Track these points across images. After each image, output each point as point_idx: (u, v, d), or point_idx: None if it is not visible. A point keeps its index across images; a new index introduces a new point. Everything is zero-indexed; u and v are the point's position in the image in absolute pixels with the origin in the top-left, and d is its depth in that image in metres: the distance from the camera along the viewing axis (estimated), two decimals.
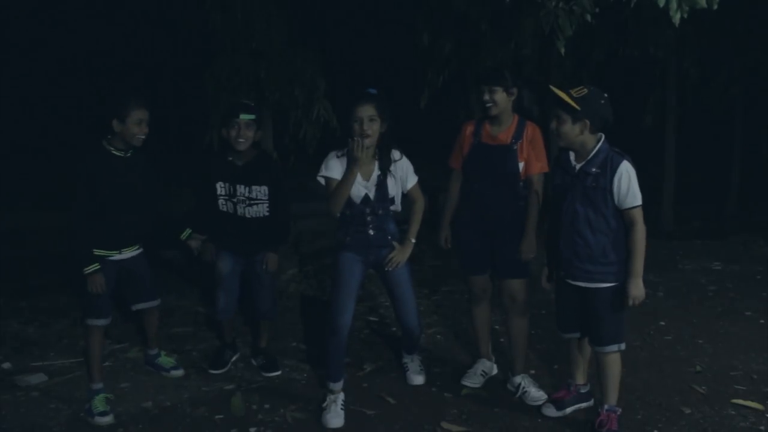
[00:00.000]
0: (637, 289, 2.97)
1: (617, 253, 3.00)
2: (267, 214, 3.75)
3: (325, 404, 3.41)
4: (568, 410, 3.36)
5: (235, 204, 3.72)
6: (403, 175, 3.45)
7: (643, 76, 7.84)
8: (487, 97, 3.42)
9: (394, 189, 3.43)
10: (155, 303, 3.84)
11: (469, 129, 3.60)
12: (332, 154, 3.41)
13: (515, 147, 3.44)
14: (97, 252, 3.42)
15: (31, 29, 8.42)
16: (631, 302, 2.98)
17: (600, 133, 3.01)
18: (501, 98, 3.41)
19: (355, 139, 3.23)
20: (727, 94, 7.71)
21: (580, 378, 3.40)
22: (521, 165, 3.45)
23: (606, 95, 2.97)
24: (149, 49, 8.43)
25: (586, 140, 2.98)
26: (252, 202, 3.72)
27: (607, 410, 3.15)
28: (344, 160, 3.36)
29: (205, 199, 3.77)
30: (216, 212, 3.76)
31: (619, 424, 3.14)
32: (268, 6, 5.36)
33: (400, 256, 3.45)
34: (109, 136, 3.40)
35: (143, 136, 3.41)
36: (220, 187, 3.72)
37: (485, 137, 3.52)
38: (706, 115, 8.23)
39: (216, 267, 3.85)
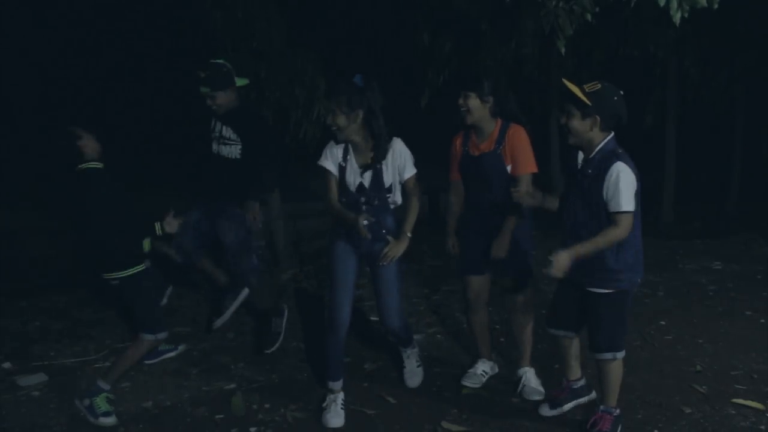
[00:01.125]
0: (560, 262, 2.81)
1: (617, 259, 2.91)
2: (238, 156, 3.78)
3: (325, 404, 3.41)
4: (566, 407, 3.33)
5: (212, 140, 3.84)
6: (401, 164, 3.33)
7: (644, 75, 7.84)
8: (461, 101, 3.40)
9: (390, 177, 3.34)
10: (171, 290, 4.06)
11: (458, 140, 3.62)
12: (332, 143, 3.40)
13: (499, 152, 3.43)
14: (140, 268, 3.46)
15: (32, 28, 8.42)
16: (545, 269, 2.85)
17: (609, 133, 2.91)
18: (474, 105, 3.39)
19: (362, 226, 3.19)
20: (727, 93, 7.72)
21: (572, 374, 3.37)
22: (509, 168, 3.44)
23: (621, 92, 2.87)
24: (149, 49, 8.43)
25: (595, 137, 2.88)
26: (225, 141, 3.80)
27: (602, 410, 3.14)
28: (341, 149, 3.36)
29: (201, 145, 3.89)
30: (207, 156, 3.87)
31: (615, 425, 3.11)
32: (268, 5, 5.37)
33: (395, 250, 3.33)
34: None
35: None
36: (212, 124, 3.86)
37: (472, 148, 3.53)
38: (706, 114, 8.23)
39: (186, 216, 3.86)
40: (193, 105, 4.03)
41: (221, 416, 3.42)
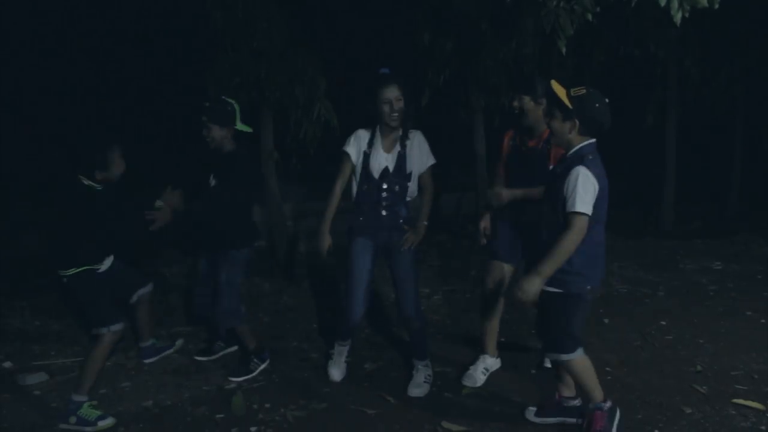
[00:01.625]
0: (529, 285, 2.82)
1: (568, 260, 2.88)
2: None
3: (331, 351, 3.86)
4: (550, 420, 3.28)
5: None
6: (423, 152, 3.57)
7: (644, 75, 7.84)
8: (515, 103, 3.53)
9: (411, 165, 3.56)
10: (150, 287, 4.01)
11: (508, 137, 3.73)
12: (360, 131, 3.59)
13: (545, 150, 3.50)
14: (87, 268, 3.49)
15: (32, 25, 8.42)
16: (516, 295, 2.86)
17: (589, 138, 2.92)
18: (529, 106, 3.49)
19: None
20: (727, 93, 7.71)
21: (564, 390, 3.29)
22: (551, 167, 3.47)
23: (606, 100, 2.90)
24: (151, 48, 8.43)
25: (573, 141, 2.92)
26: (215, 191, 3.82)
27: (592, 408, 3.09)
28: (366, 138, 3.56)
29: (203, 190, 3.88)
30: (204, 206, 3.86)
31: (610, 419, 3.05)
32: (268, 5, 5.37)
33: (414, 238, 3.55)
34: (86, 174, 3.48)
35: (121, 172, 3.57)
36: (210, 178, 3.87)
37: (520, 144, 3.63)
38: (706, 114, 8.23)
39: (199, 266, 4.04)
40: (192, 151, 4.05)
41: (222, 416, 3.42)
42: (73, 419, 3.31)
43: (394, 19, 6.96)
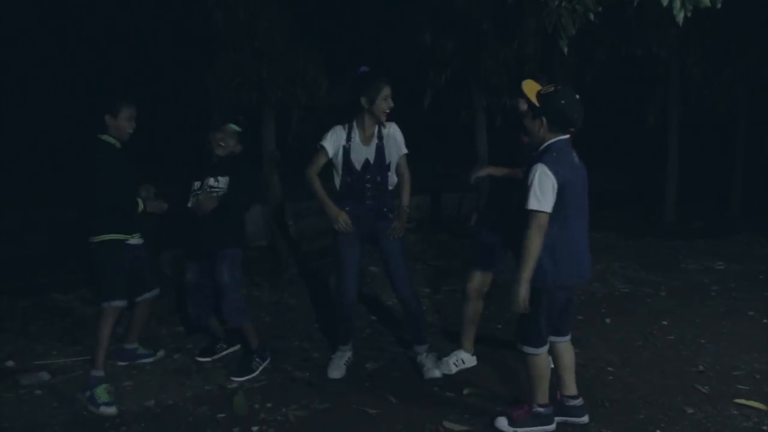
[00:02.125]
0: (515, 295, 2.85)
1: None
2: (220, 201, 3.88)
3: (333, 356, 3.92)
4: (556, 419, 3.27)
5: (193, 196, 3.92)
6: (398, 142, 3.69)
7: (646, 75, 7.83)
8: (521, 105, 3.54)
9: (389, 155, 3.68)
10: (156, 292, 4.06)
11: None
12: (337, 127, 3.69)
13: None
14: (117, 236, 3.63)
15: (33, 27, 8.43)
16: (511, 308, 2.91)
17: (560, 135, 2.93)
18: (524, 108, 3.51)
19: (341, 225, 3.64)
20: (729, 93, 7.71)
21: (565, 388, 3.26)
22: None
23: (576, 96, 2.91)
24: (152, 48, 8.44)
25: (545, 138, 2.95)
26: (212, 190, 3.88)
27: (526, 403, 3.16)
28: (344, 133, 3.66)
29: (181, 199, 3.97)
30: (185, 212, 3.93)
31: (530, 421, 3.11)
32: (270, 5, 5.37)
33: (400, 224, 3.69)
34: (98, 120, 3.65)
35: (131, 131, 3.74)
36: (196, 185, 3.93)
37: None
38: (708, 114, 8.23)
39: (185, 277, 4.03)
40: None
41: (223, 415, 3.42)
42: (87, 393, 3.47)
43: (396, 19, 6.96)
